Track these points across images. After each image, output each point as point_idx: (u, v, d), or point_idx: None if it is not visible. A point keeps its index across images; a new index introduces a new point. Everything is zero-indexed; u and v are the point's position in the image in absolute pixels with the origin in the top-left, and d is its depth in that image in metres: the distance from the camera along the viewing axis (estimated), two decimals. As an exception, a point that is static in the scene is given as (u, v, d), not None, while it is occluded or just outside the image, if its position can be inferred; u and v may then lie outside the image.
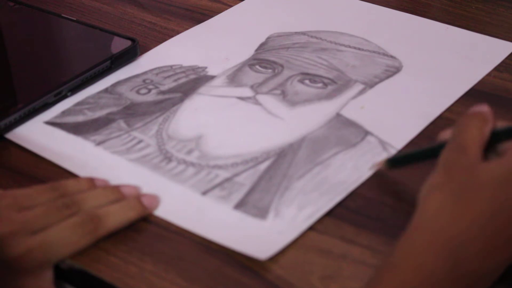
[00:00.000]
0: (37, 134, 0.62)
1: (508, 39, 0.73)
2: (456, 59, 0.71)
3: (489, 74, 0.68)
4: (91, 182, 0.56)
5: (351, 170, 0.57)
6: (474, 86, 0.67)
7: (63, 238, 0.50)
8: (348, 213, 0.54)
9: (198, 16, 0.79)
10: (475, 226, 0.45)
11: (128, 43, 0.71)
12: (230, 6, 0.81)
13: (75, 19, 0.75)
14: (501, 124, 0.51)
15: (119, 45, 0.71)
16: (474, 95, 0.65)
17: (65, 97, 0.66)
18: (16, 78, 0.70)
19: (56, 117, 0.64)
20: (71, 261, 0.51)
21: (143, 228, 0.53)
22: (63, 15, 0.76)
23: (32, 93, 0.65)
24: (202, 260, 0.51)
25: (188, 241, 0.52)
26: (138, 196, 0.55)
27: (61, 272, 0.51)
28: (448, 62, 0.70)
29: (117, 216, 0.53)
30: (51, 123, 0.63)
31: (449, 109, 0.64)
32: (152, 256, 0.51)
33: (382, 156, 0.59)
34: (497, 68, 0.69)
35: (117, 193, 0.54)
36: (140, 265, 0.51)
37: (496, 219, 0.45)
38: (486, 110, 0.52)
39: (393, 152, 0.59)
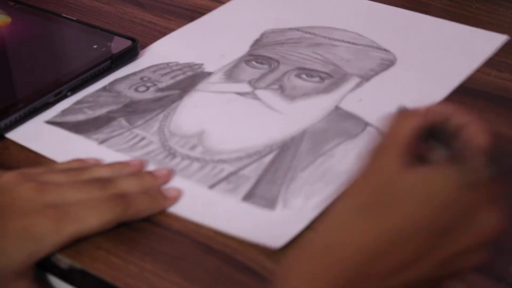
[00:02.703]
0: (39, 134, 0.62)
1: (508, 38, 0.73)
2: (448, 52, 0.72)
3: (489, 74, 0.68)
4: (126, 166, 0.57)
5: (354, 159, 0.58)
6: (474, 86, 0.67)
7: (94, 209, 0.51)
8: None
9: (198, 15, 0.80)
10: (379, 243, 0.39)
11: (128, 42, 0.71)
12: (230, 5, 0.82)
13: (75, 19, 0.75)
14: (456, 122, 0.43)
15: (119, 45, 0.71)
16: (474, 94, 0.66)
17: (65, 97, 0.66)
18: (16, 78, 0.70)
19: (56, 116, 0.64)
20: (71, 261, 0.51)
21: (143, 228, 0.53)
22: (63, 15, 0.76)
23: (32, 93, 0.65)
24: (202, 260, 0.51)
25: (188, 241, 0.52)
26: (162, 186, 0.56)
27: (61, 272, 0.51)
28: (440, 54, 0.71)
29: (146, 202, 0.53)
30: (52, 122, 0.63)
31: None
32: (152, 256, 0.51)
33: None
34: (498, 68, 0.69)
35: (148, 180, 0.55)
36: (140, 265, 0.51)
37: (405, 240, 0.39)
38: (423, 108, 0.44)
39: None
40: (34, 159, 0.60)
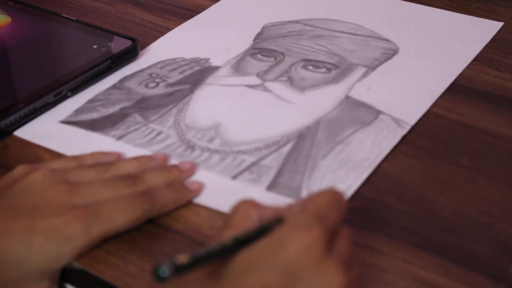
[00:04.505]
0: (55, 134, 0.62)
1: (508, 38, 0.74)
2: (448, 39, 0.74)
3: (489, 74, 0.69)
4: (151, 159, 0.57)
5: (372, 146, 0.60)
6: (474, 86, 0.68)
7: (123, 207, 0.51)
8: (348, 213, 0.53)
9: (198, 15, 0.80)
10: None
11: (128, 42, 0.71)
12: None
13: (75, 19, 0.75)
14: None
15: (119, 45, 0.71)
16: (474, 94, 0.66)
17: (65, 97, 0.66)
18: (16, 78, 0.69)
19: (71, 116, 0.64)
20: (71, 261, 0.51)
21: (143, 228, 0.53)
22: (63, 15, 0.76)
23: (32, 93, 0.65)
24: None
25: (188, 241, 0.52)
26: (185, 178, 0.56)
27: (61, 272, 0.51)
28: (441, 42, 0.73)
29: (171, 196, 0.54)
30: (66, 122, 0.64)
31: (437, 105, 0.65)
32: (152, 256, 0.51)
33: (398, 132, 0.61)
34: (498, 68, 0.70)
35: (175, 174, 0.56)
36: (140, 265, 0.50)
37: None
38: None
39: (407, 128, 0.62)
40: (35, 159, 0.60)
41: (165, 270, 0.41)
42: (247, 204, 0.47)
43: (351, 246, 0.46)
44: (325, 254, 0.43)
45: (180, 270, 0.42)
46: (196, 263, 0.43)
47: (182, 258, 0.42)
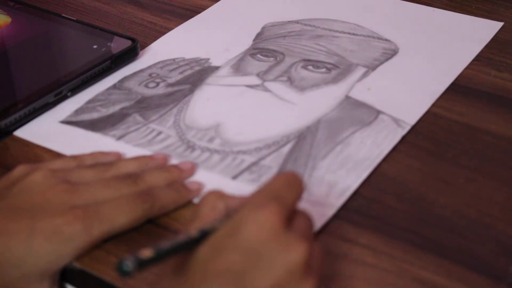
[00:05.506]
0: (55, 134, 0.62)
1: (508, 38, 0.75)
2: (448, 39, 0.74)
3: (489, 74, 0.69)
4: (151, 159, 0.58)
5: (372, 146, 0.60)
6: (474, 86, 0.68)
7: (123, 207, 0.51)
8: (348, 213, 0.54)
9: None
10: None
11: (128, 43, 0.71)
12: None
13: (75, 19, 0.75)
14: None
15: (119, 45, 0.71)
16: (474, 94, 0.66)
17: (65, 97, 0.66)
18: (16, 78, 0.70)
19: (71, 116, 0.64)
20: (71, 261, 0.51)
21: (143, 228, 0.53)
22: (63, 15, 0.76)
23: (32, 93, 0.65)
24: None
25: None
26: (185, 178, 0.56)
27: (61, 272, 0.51)
28: (441, 42, 0.73)
29: (171, 196, 0.54)
30: (66, 122, 0.64)
31: (437, 105, 0.65)
32: None
33: (398, 132, 0.61)
34: (498, 68, 0.70)
35: (175, 174, 0.56)
36: None
37: None
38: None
39: (407, 128, 0.62)
40: (35, 159, 0.60)
41: (128, 265, 0.42)
42: (214, 195, 0.48)
43: (310, 224, 0.46)
44: (283, 228, 0.43)
45: (143, 264, 0.42)
46: (160, 256, 0.43)
47: (146, 252, 0.42)
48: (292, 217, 0.46)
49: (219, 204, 0.47)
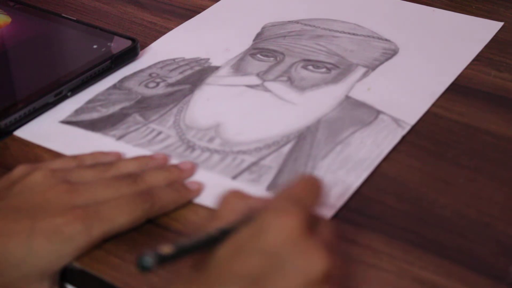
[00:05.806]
0: (55, 134, 0.62)
1: (508, 38, 0.75)
2: (448, 39, 0.74)
3: (489, 74, 0.69)
4: (151, 159, 0.58)
5: (371, 146, 0.60)
6: (474, 86, 0.68)
7: (123, 207, 0.51)
8: (348, 213, 0.54)
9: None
10: None
11: (128, 43, 0.71)
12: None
13: (75, 19, 0.75)
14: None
15: (119, 45, 0.71)
16: (474, 94, 0.66)
17: (65, 97, 0.66)
18: (16, 78, 0.70)
19: (71, 116, 0.64)
20: (71, 261, 0.51)
21: (143, 228, 0.53)
22: (63, 15, 0.76)
23: (32, 93, 0.65)
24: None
25: None
26: (185, 178, 0.56)
27: (61, 272, 0.51)
28: (441, 42, 0.73)
29: (171, 196, 0.54)
30: (66, 122, 0.64)
31: (437, 105, 0.65)
32: None
33: (398, 132, 0.61)
34: (498, 68, 0.70)
35: (175, 174, 0.56)
36: None
37: None
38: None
39: (407, 128, 0.62)
40: (35, 159, 0.60)
41: (148, 260, 0.41)
42: (234, 196, 0.48)
43: (332, 233, 0.46)
44: (305, 235, 0.43)
45: (163, 260, 0.42)
46: (180, 253, 0.43)
47: (166, 249, 0.42)
48: (315, 223, 0.45)
49: (239, 205, 0.47)
